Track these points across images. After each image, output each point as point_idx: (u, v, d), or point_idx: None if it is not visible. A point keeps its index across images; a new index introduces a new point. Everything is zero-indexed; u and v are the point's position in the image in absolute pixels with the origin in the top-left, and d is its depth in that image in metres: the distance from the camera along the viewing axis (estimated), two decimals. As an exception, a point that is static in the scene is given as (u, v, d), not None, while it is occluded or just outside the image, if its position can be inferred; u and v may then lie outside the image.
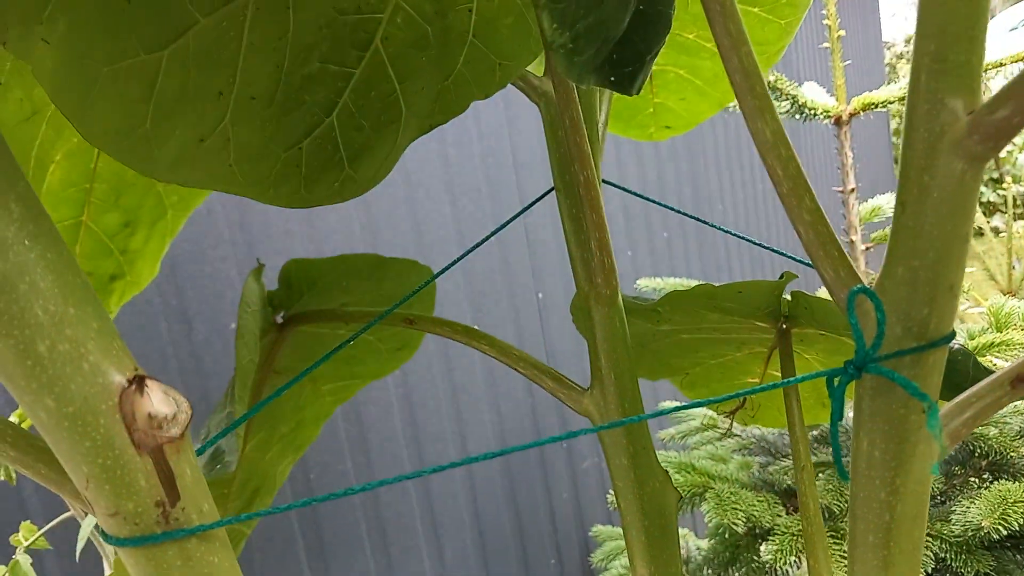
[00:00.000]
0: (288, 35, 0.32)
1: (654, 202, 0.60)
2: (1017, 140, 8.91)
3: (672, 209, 0.59)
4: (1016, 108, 0.28)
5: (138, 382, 0.24)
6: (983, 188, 8.40)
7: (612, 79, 0.35)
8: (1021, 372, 0.33)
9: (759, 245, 0.60)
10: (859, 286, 0.32)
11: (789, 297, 0.60)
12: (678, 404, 1.67)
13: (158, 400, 0.24)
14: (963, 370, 0.49)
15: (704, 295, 0.59)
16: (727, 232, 0.60)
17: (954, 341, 0.37)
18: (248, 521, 0.71)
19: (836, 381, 0.32)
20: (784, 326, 0.62)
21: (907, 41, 10.36)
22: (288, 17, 0.32)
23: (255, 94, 0.32)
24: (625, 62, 0.36)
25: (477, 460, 0.36)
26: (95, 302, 0.24)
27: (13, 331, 0.23)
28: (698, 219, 0.60)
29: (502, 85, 0.49)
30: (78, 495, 0.28)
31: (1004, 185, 3.19)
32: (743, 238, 0.59)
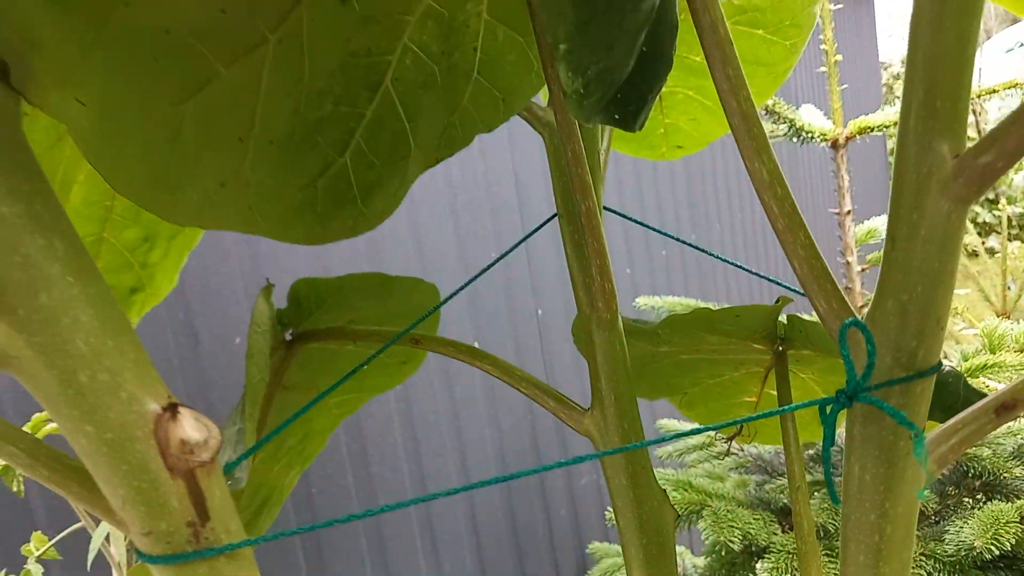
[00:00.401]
0: (304, 80, 0.34)
1: (655, 230, 0.62)
2: (1013, 160, 8.92)
3: (671, 237, 0.61)
4: (999, 154, 0.30)
5: (171, 410, 0.25)
6: (979, 208, 8.43)
7: (617, 117, 0.37)
8: (1006, 400, 0.35)
9: (754, 274, 0.62)
10: (851, 319, 0.33)
11: (785, 320, 0.61)
12: (678, 425, 1.68)
13: (190, 426, 0.25)
14: (954, 392, 0.51)
15: (703, 319, 0.60)
16: (724, 260, 0.62)
17: (947, 363, 0.39)
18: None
19: (828, 409, 0.34)
20: (780, 348, 0.64)
21: (903, 62, 10.40)
22: (303, 63, 0.34)
23: (272, 138, 0.34)
24: (629, 101, 0.37)
25: (480, 486, 0.37)
26: (131, 333, 0.26)
27: (57, 362, 0.24)
28: (697, 247, 0.61)
29: (505, 119, 0.51)
30: (110, 512, 0.29)
31: (999, 206, 3.21)
32: (738, 266, 0.60)
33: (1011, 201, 8.35)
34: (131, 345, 0.26)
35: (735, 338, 0.63)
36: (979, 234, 8.10)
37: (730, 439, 0.65)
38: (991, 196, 8.56)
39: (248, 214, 0.35)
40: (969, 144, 0.32)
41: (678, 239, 0.62)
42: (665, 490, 0.53)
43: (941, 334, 0.34)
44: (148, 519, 0.26)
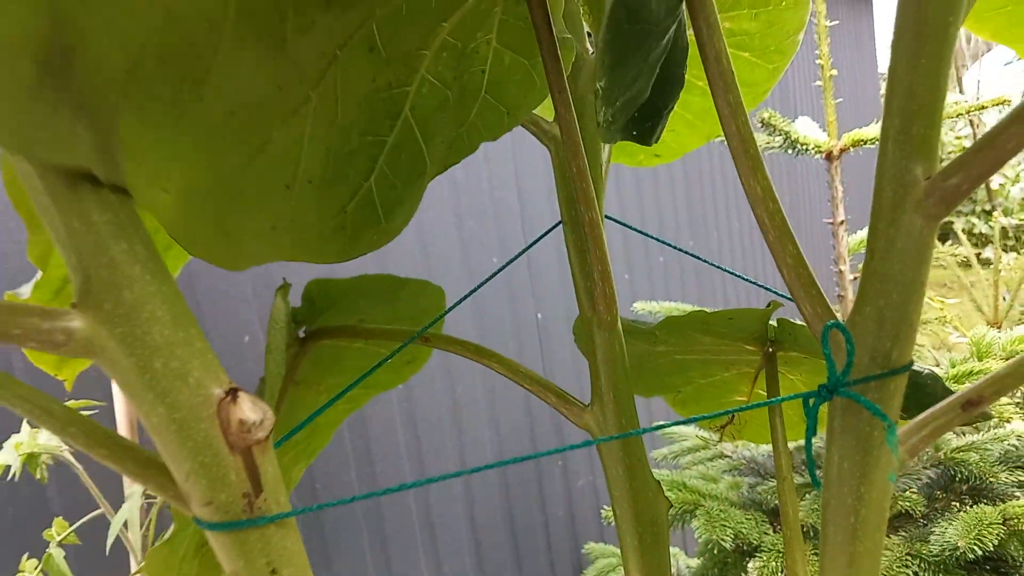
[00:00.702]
0: (336, 121, 0.37)
1: (652, 237, 0.65)
2: (1009, 172, 9.01)
3: (668, 244, 0.65)
4: (965, 177, 0.34)
5: (232, 393, 0.29)
6: (975, 220, 8.47)
7: (635, 134, 0.41)
8: (971, 397, 0.38)
9: (745, 279, 0.65)
10: (832, 322, 0.37)
11: (775, 324, 0.65)
12: (674, 429, 1.70)
13: (248, 408, 0.29)
14: (932, 392, 0.55)
15: (698, 321, 0.64)
16: (715, 266, 0.65)
17: (936, 369, 0.43)
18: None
19: (811, 402, 0.38)
20: (771, 350, 0.67)
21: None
22: (336, 108, 0.37)
23: (311, 177, 0.37)
24: (646, 119, 0.41)
25: (477, 471, 0.40)
26: (197, 327, 0.30)
27: (136, 351, 0.28)
28: (691, 253, 0.65)
29: (509, 129, 0.54)
30: (163, 488, 0.33)
31: (993, 216, 3.26)
32: (730, 272, 0.64)
33: (1007, 212, 8.41)
34: (198, 337, 0.29)
35: (728, 339, 0.67)
36: (975, 245, 8.16)
37: (721, 428, 0.69)
38: (988, 208, 8.62)
39: (290, 246, 0.39)
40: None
41: (674, 246, 0.66)
42: (659, 482, 0.57)
43: (913, 336, 0.37)
44: (209, 490, 0.29)
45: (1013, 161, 9.27)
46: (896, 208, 0.36)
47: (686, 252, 0.65)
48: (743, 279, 0.64)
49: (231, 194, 0.32)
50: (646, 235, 0.64)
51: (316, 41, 0.32)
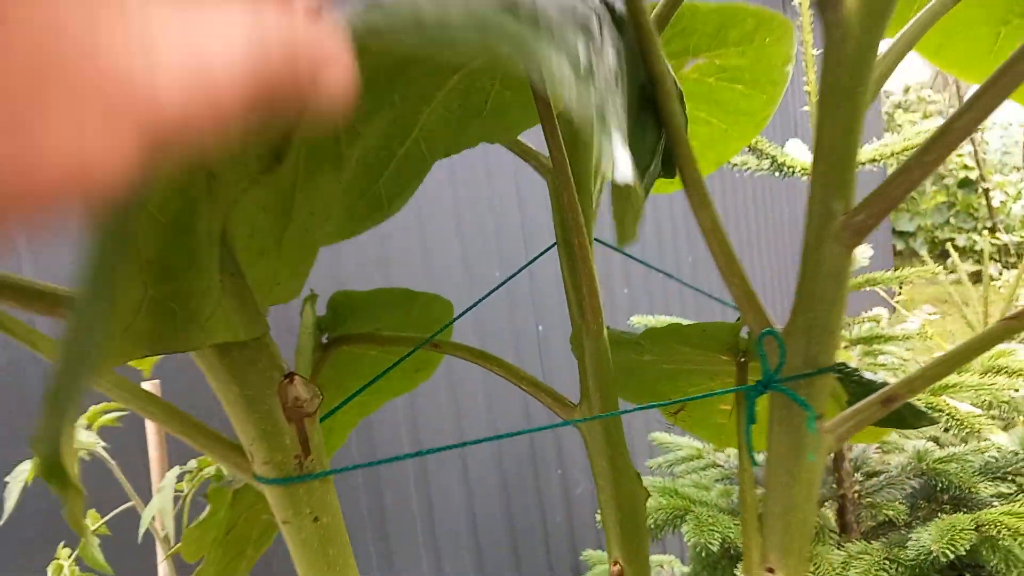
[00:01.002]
0: (361, 156, 0.46)
1: (639, 260, 0.73)
2: (1010, 190, 9.07)
3: (651, 266, 0.73)
4: (869, 215, 0.42)
5: (289, 377, 0.37)
6: (976, 237, 8.52)
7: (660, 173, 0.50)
8: (890, 394, 0.46)
9: (714, 298, 0.73)
10: (768, 329, 0.45)
11: (746, 335, 0.73)
12: (669, 438, 1.77)
13: (302, 389, 0.37)
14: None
15: (676, 332, 0.72)
16: (685, 284, 0.73)
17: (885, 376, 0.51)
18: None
19: (749, 395, 0.46)
20: (743, 360, 0.75)
21: (905, 91, 10.51)
22: (366, 156, 0.45)
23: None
24: (665, 160, 0.50)
25: (473, 444, 0.48)
26: (266, 327, 0.38)
27: (219, 344, 0.36)
28: (667, 274, 0.73)
29: (506, 140, 0.63)
30: (225, 456, 0.41)
31: (984, 234, 3.33)
32: (699, 290, 0.72)
33: (1009, 230, 8.46)
34: (267, 336, 0.38)
35: (704, 350, 0.74)
36: (976, 262, 8.21)
37: (675, 413, 0.77)
38: (988, 225, 8.68)
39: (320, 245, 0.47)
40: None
41: (657, 268, 0.74)
42: (639, 473, 0.65)
43: (835, 342, 0.45)
44: (269, 452, 0.37)
45: (1014, 178, 9.30)
46: (820, 237, 0.44)
47: (667, 273, 0.73)
48: (710, 296, 0.72)
49: (311, 257, 0.41)
50: (633, 258, 0.72)
51: (360, 139, 0.41)
